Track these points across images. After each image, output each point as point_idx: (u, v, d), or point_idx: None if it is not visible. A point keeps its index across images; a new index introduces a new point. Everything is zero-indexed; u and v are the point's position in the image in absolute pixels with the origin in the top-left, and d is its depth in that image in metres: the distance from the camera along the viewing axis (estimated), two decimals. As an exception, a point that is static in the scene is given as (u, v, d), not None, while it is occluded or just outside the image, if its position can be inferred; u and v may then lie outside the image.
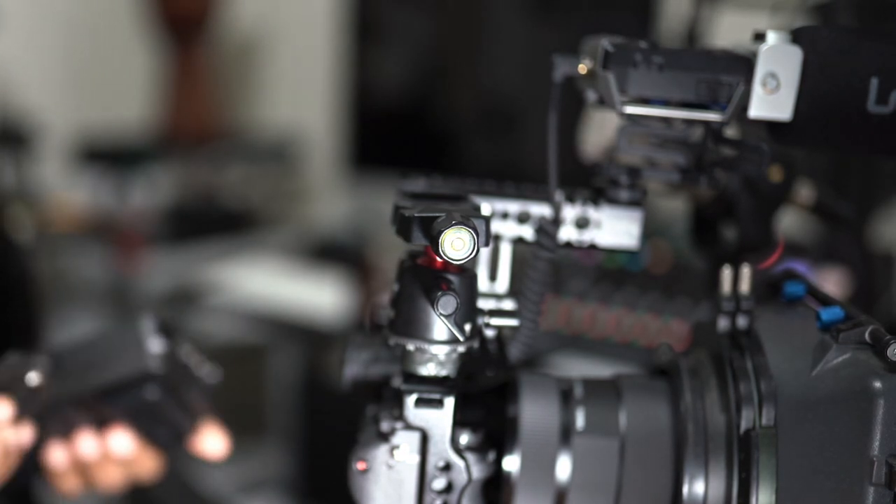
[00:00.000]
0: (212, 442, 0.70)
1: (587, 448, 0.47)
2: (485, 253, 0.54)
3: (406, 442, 0.47)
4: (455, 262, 0.42)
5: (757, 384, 0.44)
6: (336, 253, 2.01)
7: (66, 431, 0.68)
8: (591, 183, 0.54)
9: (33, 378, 0.64)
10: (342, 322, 1.73)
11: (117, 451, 0.68)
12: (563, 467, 0.47)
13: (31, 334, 1.08)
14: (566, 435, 0.47)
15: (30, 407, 0.64)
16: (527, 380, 0.49)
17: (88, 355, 0.69)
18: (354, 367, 0.52)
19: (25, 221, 2.06)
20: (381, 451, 0.47)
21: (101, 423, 0.68)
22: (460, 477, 0.47)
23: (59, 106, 2.45)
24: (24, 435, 0.65)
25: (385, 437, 0.47)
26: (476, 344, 0.49)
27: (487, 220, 0.45)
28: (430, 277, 0.46)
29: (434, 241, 0.42)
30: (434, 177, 0.53)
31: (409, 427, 0.47)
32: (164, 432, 0.69)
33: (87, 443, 0.68)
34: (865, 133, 0.44)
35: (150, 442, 0.70)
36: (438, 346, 0.47)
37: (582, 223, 0.52)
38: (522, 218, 0.53)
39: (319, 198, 2.45)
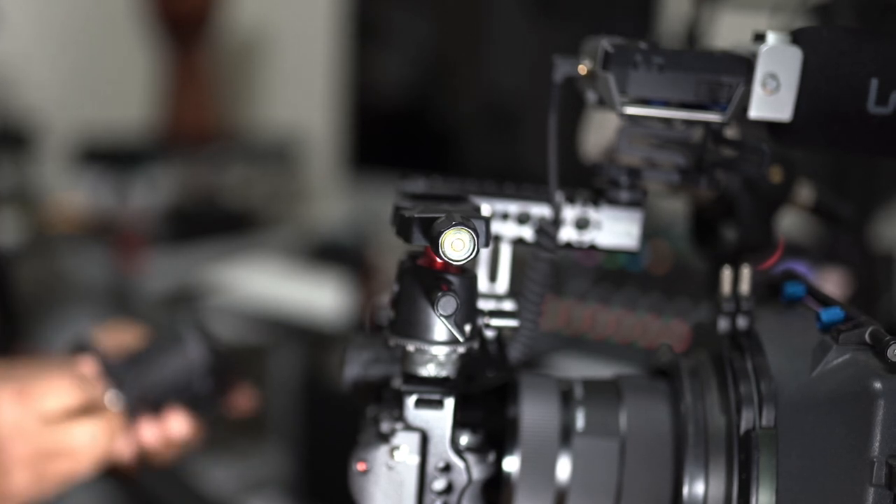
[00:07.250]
0: (243, 403, 0.84)
1: (587, 449, 0.47)
2: (485, 254, 0.54)
3: (406, 443, 0.47)
4: (455, 263, 0.42)
5: (757, 385, 0.44)
6: (336, 253, 2.01)
7: (130, 425, 0.79)
8: (592, 184, 0.54)
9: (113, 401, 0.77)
10: (342, 322, 1.73)
11: (177, 434, 0.80)
12: (564, 468, 0.47)
13: (12, 339, 1.08)
14: (566, 436, 0.47)
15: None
16: (527, 380, 0.49)
17: (143, 364, 0.79)
18: (354, 367, 0.52)
19: (15, 224, 2.06)
20: (382, 452, 0.47)
21: (156, 410, 0.79)
22: (460, 478, 0.47)
23: (59, 106, 2.45)
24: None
25: (385, 438, 0.48)
26: (476, 345, 0.49)
27: (487, 220, 0.45)
28: (430, 278, 0.46)
29: (434, 241, 0.42)
30: (434, 177, 0.53)
31: (409, 428, 0.47)
32: (207, 405, 0.82)
33: (149, 431, 0.79)
34: (865, 134, 0.44)
35: (196, 415, 0.82)
36: (438, 346, 0.47)
37: (582, 224, 0.52)
38: (522, 219, 0.53)
39: (319, 198, 2.44)
